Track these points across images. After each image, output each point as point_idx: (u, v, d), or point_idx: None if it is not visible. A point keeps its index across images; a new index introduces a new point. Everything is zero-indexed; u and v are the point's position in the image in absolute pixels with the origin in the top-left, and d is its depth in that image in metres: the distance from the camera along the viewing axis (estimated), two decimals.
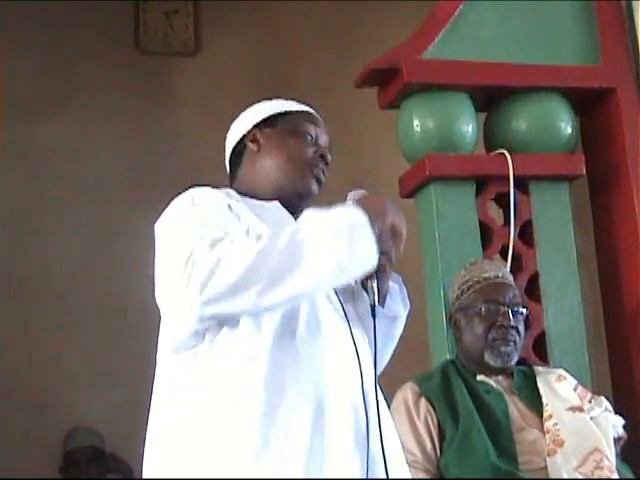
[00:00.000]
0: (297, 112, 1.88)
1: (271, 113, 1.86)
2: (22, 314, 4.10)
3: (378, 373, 1.79)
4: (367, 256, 1.52)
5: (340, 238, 1.50)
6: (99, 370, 4.00)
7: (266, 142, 1.84)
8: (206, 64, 4.61)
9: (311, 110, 1.90)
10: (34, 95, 4.30)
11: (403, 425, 2.39)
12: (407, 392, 2.45)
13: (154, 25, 4.65)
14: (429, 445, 2.37)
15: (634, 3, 3.20)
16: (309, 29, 4.66)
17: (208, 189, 1.71)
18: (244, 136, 1.86)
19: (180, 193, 1.68)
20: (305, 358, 1.57)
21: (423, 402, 2.43)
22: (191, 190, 1.71)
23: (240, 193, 1.81)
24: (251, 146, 1.84)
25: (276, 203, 1.79)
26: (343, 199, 1.89)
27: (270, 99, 1.93)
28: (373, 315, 1.63)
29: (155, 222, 1.70)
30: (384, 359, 1.83)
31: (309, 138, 1.84)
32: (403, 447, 2.32)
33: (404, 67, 2.89)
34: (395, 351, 1.92)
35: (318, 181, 1.82)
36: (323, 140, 1.86)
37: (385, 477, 1.55)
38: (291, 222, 1.71)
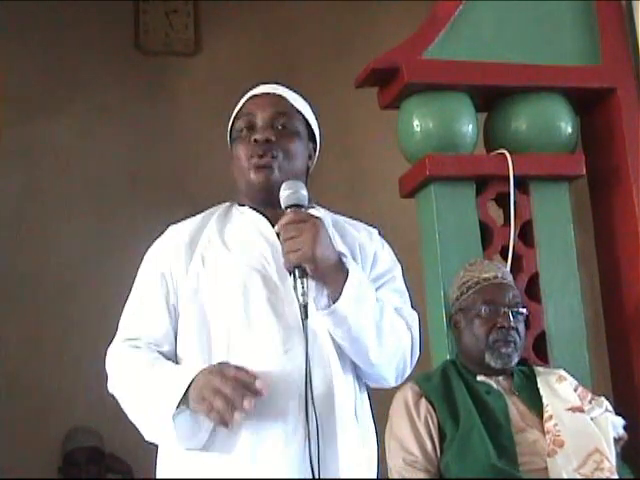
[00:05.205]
0: (239, 110, 1.85)
1: (231, 121, 1.87)
2: (22, 314, 4.09)
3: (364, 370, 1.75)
4: None
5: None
6: (99, 370, 3.99)
7: (231, 152, 1.84)
8: (206, 64, 4.61)
9: (255, 91, 1.86)
10: (34, 95, 4.30)
11: (404, 425, 2.38)
12: (407, 392, 2.45)
13: (154, 25, 4.65)
14: (429, 445, 2.36)
15: (634, 3, 3.20)
16: (309, 29, 4.66)
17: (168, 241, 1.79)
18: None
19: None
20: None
21: (423, 402, 2.42)
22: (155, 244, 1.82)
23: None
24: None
25: (245, 209, 1.81)
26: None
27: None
28: (304, 317, 1.58)
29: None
30: (357, 355, 1.72)
31: (244, 133, 1.80)
32: (403, 447, 2.34)
33: (404, 67, 2.89)
34: None
35: (258, 167, 1.76)
36: (260, 118, 1.79)
37: None
38: (259, 224, 1.76)
